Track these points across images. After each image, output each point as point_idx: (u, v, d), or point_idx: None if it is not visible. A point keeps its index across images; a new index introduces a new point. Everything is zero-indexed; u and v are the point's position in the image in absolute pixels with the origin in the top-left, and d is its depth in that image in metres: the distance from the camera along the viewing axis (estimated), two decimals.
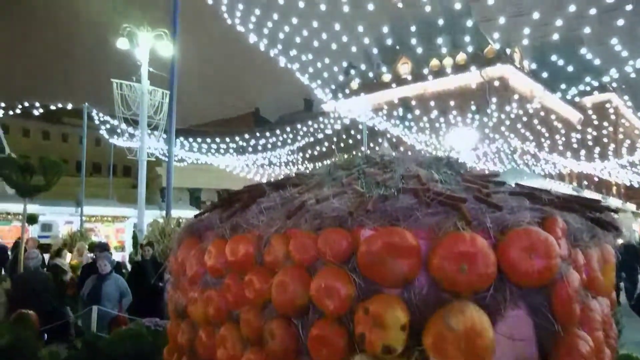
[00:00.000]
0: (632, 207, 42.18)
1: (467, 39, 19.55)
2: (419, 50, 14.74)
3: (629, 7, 10.59)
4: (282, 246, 2.64)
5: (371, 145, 27.63)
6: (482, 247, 2.30)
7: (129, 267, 12.44)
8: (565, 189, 22.31)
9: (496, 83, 31.69)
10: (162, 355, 3.62)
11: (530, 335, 2.40)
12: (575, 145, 34.89)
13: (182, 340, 3.26)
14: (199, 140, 26.73)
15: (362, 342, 2.28)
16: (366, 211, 2.50)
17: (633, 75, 14.79)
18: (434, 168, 3.31)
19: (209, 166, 30.00)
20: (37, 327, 5.99)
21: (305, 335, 2.49)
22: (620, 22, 10.83)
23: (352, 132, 29.06)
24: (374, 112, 27.75)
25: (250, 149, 28.27)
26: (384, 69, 30.85)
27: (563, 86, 21.80)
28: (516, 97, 30.06)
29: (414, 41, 13.86)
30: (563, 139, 31.74)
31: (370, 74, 32.73)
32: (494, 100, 28.01)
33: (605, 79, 18.05)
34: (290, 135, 27.97)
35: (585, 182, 42.07)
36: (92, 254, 11.68)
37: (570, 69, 15.74)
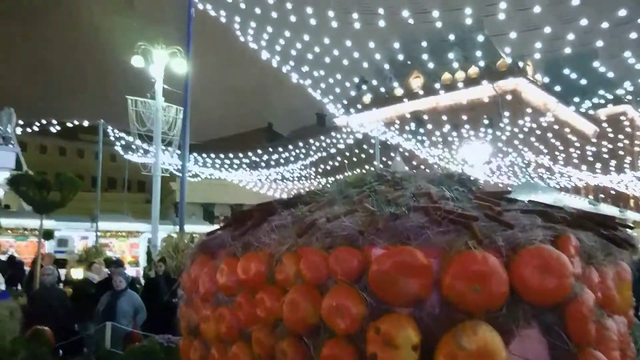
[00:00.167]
0: None
1: (479, 53, 19.55)
2: (431, 64, 14.78)
3: None
4: (293, 265, 2.65)
5: (383, 159, 27.61)
6: (493, 266, 2.29)
7: (142, 282, 12.50)
8: (581, 202, 22.03)
9: (509, 96, 31.58)
10: None
11: (544, 355, 2.36)
12: (590, 158, 34.50)
13: (194, 358, 3.27)
14: (213, 155, 26.93)
15: None
16: (377, 230, 2.50)
17: None
18: (446, 185, 3.30)
19: (223, 181, 30.18)
20: (52, 343, 6.03)
21: (316, 354, 2.49)
22: (634, 35, 10.78)
23: (365, 146, 29.09)
24: (386, 126, 27.77)
25: (263, 164, 28.39)
26: (395, 83, 30.92)
27: (577, 99, 21.65)
28: (529, 110, 29.86)
29: (425, 56, 13.90)
30: (578, 151, 31.42)
31: (382, 89, 32.82)
32: (507, 113, 27.90)
33: (620, 91, 17.90)
34: (303, 150, 28.06)
35: (602, 195, 41.50)
36: (107, 270, 11.77)
37: (583, 81, 15.66)
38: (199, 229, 24.68)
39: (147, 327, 7.08)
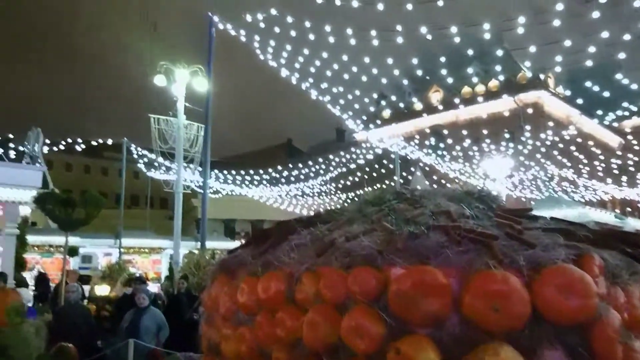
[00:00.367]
0: None
1: (498, 67, 19.46)
2: (450, 79, 14.77)
3: None
4: (312, 284, 2.66)
5: (404, 174, 27.49)
6: (514, 285, 2.27)
7: (164, 296, 12.59)
8: (607, 216, 21.54)
9: (530, 109, 31.24)
10: None
11: None
12: (616, 171, 33.82)
13: None
14: (233, 172, 27.17)
15: None
16: (396, 249, 2.50)
17: None
18: (465, 203, 3.28)
19: (243, 197, 30.37)
20: (76, 359, 6.10)
21: None
22: None
23: (385, 161, 29.02)
24: (405, 141, 27.70)
25: (283, 180, 28.53)
26: (414, 99, 30.89)
27: (600, 111, 21.32)
28: (551, 123, 29.48)
29: (444, 71, 13.89)
30: (602, 164, 30.85)
31: (401, 104, 32.81)
32: (529, 126, 27.57)
33: None
34: (323, 166, 28.13)
35: (629, 209, 40.55)
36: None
37: (607, 93, 15.44)
38: (220, 245, 24.89)
39: (169, 344, 7.13)
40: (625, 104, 17.69)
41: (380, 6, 10.05)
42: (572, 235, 2.70)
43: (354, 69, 13.64)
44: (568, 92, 30.64)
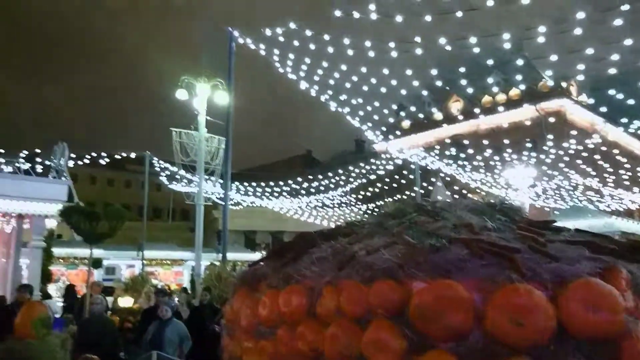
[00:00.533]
0: None
1: (519, 75, 19.29)
2: (470, 89, 14.67)
3: None
4: (333, 298, 2.66)
5: (424, 185, 27.31)
6: (538, 299, 2.23)
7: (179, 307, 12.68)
8: (634, 225, 21.05)
9: (553, 118, 30.82)
10: None
11: None
12: None
13: None
14: (254, 183, 27.34)
15: None
16: (417, 263, 2.49)
17: None
18: (487, 215, 3.26)
19: (263, 209, 30.50)
20: None
21: None
22: None
23: (405, 172, 28.88)
24: (425, 151, 27.55)
25: (303, 191, 28.58)
26: (434, 109, 30.77)
27: (625, 119, 20.92)
28: (574, 132, 29.01)
29: (464, 81, 13.82)
30: (629, 173, 30.17)
31: (421, 115, 32.70)
32: (551, 135, 27.18)
33: None
34: (343, 177, 28.13)
35: None
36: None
37: (631, 101, 15.16)
38: (241, 256, 25.00)
39: (191, 355, 7.18)
40: None
41: (399, 18, 10.08)
42: (598, 248, 2.66)
43: (373, 80, 13.67)
44: (591, 100, 30.16)
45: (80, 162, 23.18)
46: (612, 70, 11.06)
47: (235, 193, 26.03)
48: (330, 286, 2.71)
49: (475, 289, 2.35)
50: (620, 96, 14.74)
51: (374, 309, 2.47)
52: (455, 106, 39.29)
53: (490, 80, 21.04)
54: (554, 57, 10.40)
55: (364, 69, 13.40)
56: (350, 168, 27.54)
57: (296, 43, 13.23)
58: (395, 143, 29.93)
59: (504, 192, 27.28)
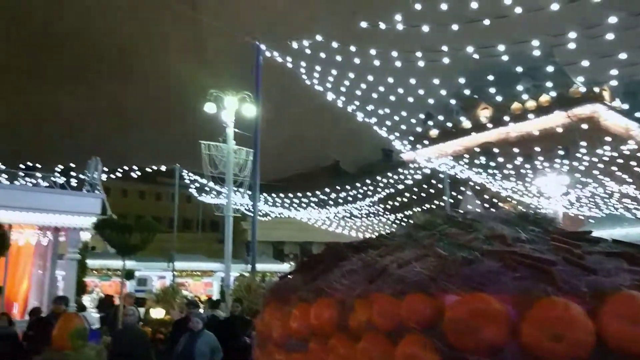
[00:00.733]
0: None
1: (549, 81, 18.96)
2: (499, 97, 14.51)
3: None
4: (365, 311, 2.64)
5: (453, 194, 26.98)
6: (576, 313, 2.18)
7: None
8: None
9: (585, 124, 30.13)
10: None
11: None
12: None
13: None
14: (282, 195, 27.49)
15: None
16: (449, 276, 2.46)
17: None
18: (520, 226, 3.20)
19: (292, 220, 30.62)
20: None
21: None
22: None
23: (433, 181, 28.60)
24: (454, 160, 27.24)
25: (331, 202, 28.59)
26: (462, 118, 30.46)
27: None
28: (609, 137, 28.27)
29: (492, 89, 13.67)
30: None
31: (449, 124, 32.41)
32: (584, 141, 26.56)
33: None
34: (371, 187, 28.03)
35: None
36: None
37: None
38: (270, 267, 25.08)
39: None
40: None
41: (425, 28, 10.05)
42: (637, 260, 2.58)
43: (400, 90, 13.65)
44: (626, 106, 29.40)
45: (112, 176, 23.79)
46: None
47: (264, 204, 26.23)
48: (361, 299, 2.69)
49: (509, 303, 2.30)
50: None
51: (406, 322, 2.44)
52: (484, 114, 38.82)
53: (519, 87, 20.73)
54: (585, 63, 10.19)
55: (390, 79, 13.41)
56: (378, 178, 27.43)
57: (323, 55, 13.33)
58: (423, 152, 29.70)
59: (536, 200, 26.73)
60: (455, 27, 9.79)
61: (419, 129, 25.08)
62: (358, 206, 29.38)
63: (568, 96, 34.31)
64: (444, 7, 9.94)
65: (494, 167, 26.53)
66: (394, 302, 2.52)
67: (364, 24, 10.57)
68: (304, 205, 28.13)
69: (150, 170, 26.55)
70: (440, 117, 27.96)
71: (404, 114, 15.80)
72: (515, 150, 25.39)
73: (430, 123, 36.60)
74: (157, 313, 13.24)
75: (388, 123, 16.55)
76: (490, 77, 14.54)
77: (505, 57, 10.27)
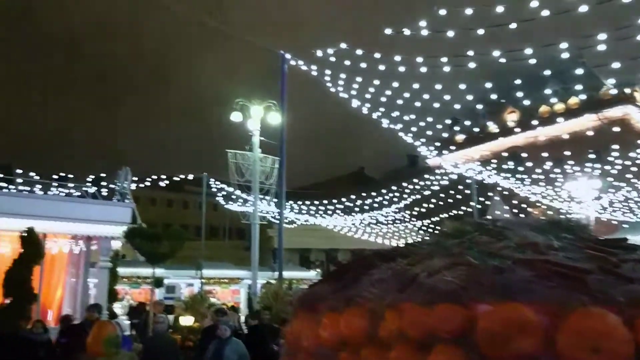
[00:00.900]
0: None
1: (579, 84, 18.59)
2: (527, 101, 14.27)
3: None
4: (395, 321, 2.63)
5: (481, 199, 26.61)
6: (613, 324, 2.13)
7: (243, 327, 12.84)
8: None
9: (617, 127, 29.41)
10: None
11: None
12: None
13: None
14: (307, 202, 27.55)
15: None
16: (480, 285, 2.43)
17: None
18: (553, 234, 3.14)
19: (317, 227, 30.64)
20: None
21: None
22: None
23: (460, 186, 28.26)
24: (481, 165, 26.89)
25: (356, 209, 28.52)
26: (489, 123, 30.09)
27: None
28: None
29: (520, 93, 13.45)
30: None
31: (476, 129, 32.04)
32: (616, 144, 25.91)
33: None
34: (397, 194, 27.87)
35: None
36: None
37: None
38: (296, 274, 25.12)
39: None
40: None
41: (450, 33, 9.99)
42: None
43: (426, 96, 13.60)
44: None
45: (141, 185, 24.25)
46: None
47: (290, 212, 26.32)
48: (391, 309, 2.68)
49: (543, 312, 2.27)
50: None
51: (438, 332, 2.42)
52: (511, 117, 38.25)
53: (547, 90, 20.38)
54: (616, 65, 9.96)
55: (416, 85, 13.36)
56: (404, 184, 27.26)
57: (347, 62, 13.38)
58: (449, 157, 29.40)
59: (566, 205, 26.17)
60: (480, 31, 9.70)
61: (445, 135, 24.79)
62: (384, 213, 29.23)
63: (598, 98, 33.57)
64: (468, 12, 9.86)
65: (523, 172, 26.09)
66: (425, 311, 2.50)
67: (388, 31, 10.56)
68: (330, 212, 28.13)
69: (178, 179, 26.98)
70: (467, 122, 27.67)
71: (429, 119, 15.72)
72: (545, 154, 24.93)
73: (457, 128, 36.23)
74: (186, 320, 13.39)
75: (414, 129, 16.48)
76: (518, 81, 14.34)
77: (532, 61, 10.12)
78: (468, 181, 27.16)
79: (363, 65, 12.75)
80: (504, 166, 25.73)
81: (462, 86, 12.52)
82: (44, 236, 13.22)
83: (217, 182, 25.72)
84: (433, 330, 2.46)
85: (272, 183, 17.65)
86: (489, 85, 13.63)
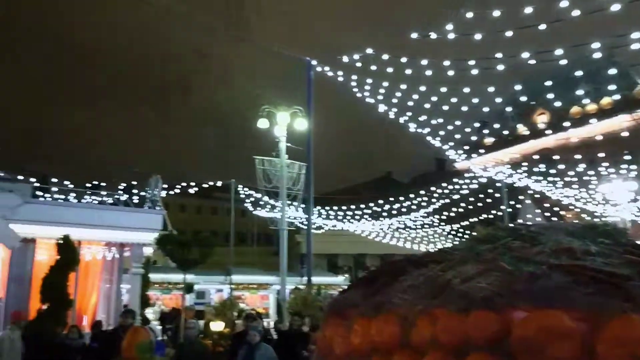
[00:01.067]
0: None
1: (612, 84, 18.13)
2: (558, 103, 13.98)
3: None
4: (428, 327, 2.61)
5: (511, 203, 26.14)
6: None
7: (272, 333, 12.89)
8: None
9: None
10: None
11: None
12: None
13: None
14: (335, 207, 27.53)
15: None
16: (515, 291, 2.39)
17: None
18: (589, 238, 3.06)
19: (345, 232, 30.57)
20: None
21: None
22: None
23: (490, 190, 27.83)
24: (512, 168, 26.43)
25: (384, 214, 28.35)
26: (518, 125, 29.59)
27: None
28: None
29: (550, 95, 13.20)
30: None
31: (505, 131, 31.52)
32: None
33: None
34: (425, 198, 27.61)
35: None
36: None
37: None
38: (324, 280, 25.09)
39: None
40: None
41: (478, 36, 9.88)
42: None
43: (453, 99, 13.46)
44: None
45: (171, 192, 24.67)
46: None
47: (317, 217, 26.35)
48: (424, 315, 2.66)
49: (581, 320, 2.21)
50: None
51: (472, 340, 2.39)
52: (541, 119, 37.53)
53: (579, 91, 19.93)
54: None
55: (443, 89, 13.26)
56: (432, 188, 26.99)
57: (373, 68, 13.37)
58: (478, 161, 29.00)
59: (601, 208, 25.49)
60: (509, 33, 9.57)
61: (473, 138, 24.47)
62: (412, 217, 28.98)
63: (632, 98, 32.65)
64: (496, 14, 9.74)
65: (554, 175, 25.53)
66: (459, 318, 2.47)
67: (414, 35, 10.52)
68: (357, 217, 28.04)
69: (207, 186, 27.34)
70: (496, 125, 27.27)
71: (457, 123, 15.56)
72: (577, 156, 24.36)
73: (486, 131, 35.73)
74: (217, 326, 13.51)
75: (441, 133, 16.33)
76: (548, 82, 14.07)
77: (563, 61, 9.93)
78: (498, 184, 26.74)
79: (389, 70, 12.74)
80: (535, 169, 25.23)
81: (491, 89, 12.38)
82: (79, 243, 13.56)
83: (245, 189, 25.98)
84: (467, 337, 2.43)
85: (300, 189, 17.70)
86: (518, 87, 13.42)
